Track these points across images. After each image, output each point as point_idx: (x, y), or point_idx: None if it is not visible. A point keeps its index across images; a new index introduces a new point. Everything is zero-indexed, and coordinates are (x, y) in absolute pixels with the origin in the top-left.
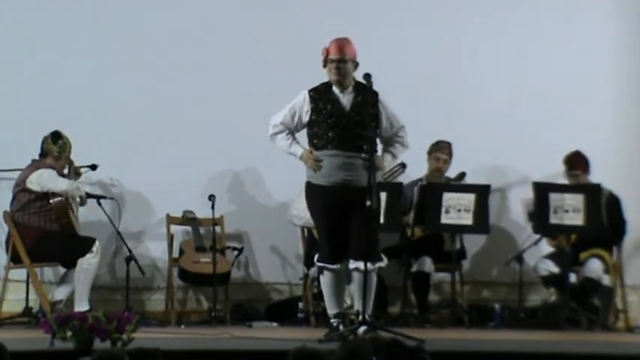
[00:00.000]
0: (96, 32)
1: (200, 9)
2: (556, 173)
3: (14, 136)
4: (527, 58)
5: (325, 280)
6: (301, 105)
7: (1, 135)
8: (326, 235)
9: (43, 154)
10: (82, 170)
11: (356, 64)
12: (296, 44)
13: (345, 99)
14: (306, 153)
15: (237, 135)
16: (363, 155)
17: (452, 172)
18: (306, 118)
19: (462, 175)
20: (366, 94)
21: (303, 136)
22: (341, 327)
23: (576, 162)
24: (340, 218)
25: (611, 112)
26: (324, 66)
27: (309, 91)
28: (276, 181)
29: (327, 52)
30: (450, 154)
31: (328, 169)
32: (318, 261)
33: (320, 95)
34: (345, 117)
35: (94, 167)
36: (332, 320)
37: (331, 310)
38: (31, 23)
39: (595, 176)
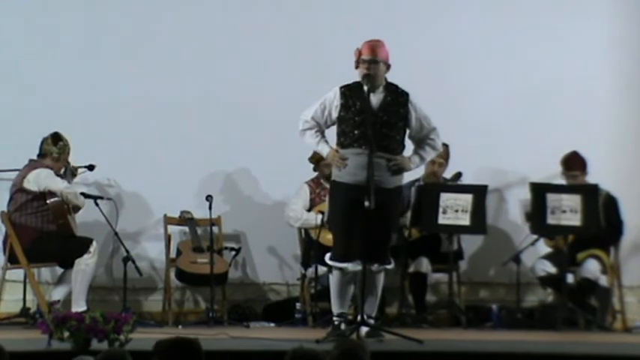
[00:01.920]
0: (94, 32)
1: (197, 10)
2: (554, 174)
3: (11, 136)
4: (524, 57)
5: (334, 279)
6: (331, 100)
7: None
8: (341, 233)
9: (42, 154)
10: (80, 171)
11: (388, 66)
12: (290, 45)
13: (375, 99)
14: (332, 152)
15: (234, 135)
16: (388, 156)
17: (448, 173)
18: (335, 114)
19: (458, 175)
20: (396, 94)
21: (332, 135)
22: (342, 326)
23: (574, 162)
24: (358, 218)
25: (609, 112)
26: (357, 67)
27: (341, 87)
28: (273, 182)
29: (359, 52)
30: (447, 157)
31: (353, 167)
32: (330, 259)
33: (351, 92)
34: (373, 116)
35: (91, 168)
36: (334, 319)
37: (336, 309)
38: (30, 24)
39: (593, 176)
